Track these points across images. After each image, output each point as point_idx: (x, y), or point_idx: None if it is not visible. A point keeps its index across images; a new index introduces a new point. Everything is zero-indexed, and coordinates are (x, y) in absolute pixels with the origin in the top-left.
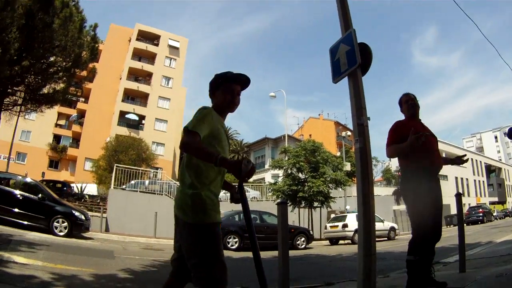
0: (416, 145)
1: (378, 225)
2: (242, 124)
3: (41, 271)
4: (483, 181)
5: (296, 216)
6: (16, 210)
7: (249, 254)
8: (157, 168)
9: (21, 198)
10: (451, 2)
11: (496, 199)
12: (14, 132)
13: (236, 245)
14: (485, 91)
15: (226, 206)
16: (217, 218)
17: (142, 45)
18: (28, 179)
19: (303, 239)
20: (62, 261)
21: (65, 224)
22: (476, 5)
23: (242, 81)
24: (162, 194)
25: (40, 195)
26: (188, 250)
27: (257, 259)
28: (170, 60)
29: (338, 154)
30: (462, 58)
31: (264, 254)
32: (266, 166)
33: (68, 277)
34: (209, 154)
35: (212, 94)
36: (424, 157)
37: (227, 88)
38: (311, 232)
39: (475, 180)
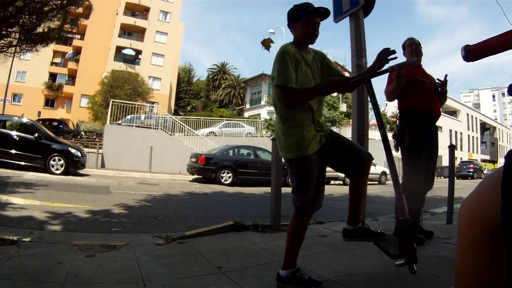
0: (399, 74)
1: (370, 169)
2: (240, 60)
3: (38, 211)
4: (477, 138)
5: None
6: (13, 151)
7: (243, 189)
8: (153, 103)
9: (17, 139)
10: None
11: (488, 157)
12: (10, 74)
13: (230, 180)
14: None
15: (221, 141)
16: None
17: None
18: (24, 119)
19: None
20: (59, 199)
21: (62, 162)
22: None
23: (322, 13)
24: (157, 128)
25: (36, 135)
26: None
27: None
28: None
29: (335, 94)
30: (469, 12)
31: (257, 190)
32: (262, 102)
33: (65, 214)
34: (309, 93)
35: (292, 26)
36: (422, 101)
37: (308, 21)
38: None
39: (469, 136)
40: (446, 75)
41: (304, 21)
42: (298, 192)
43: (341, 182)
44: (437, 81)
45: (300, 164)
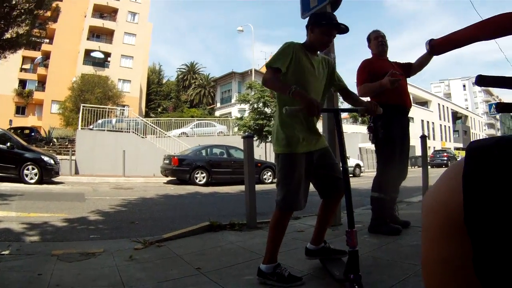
0: (389, 87)
1: None
2: (209, 58)
3: (15, 222)
4: (449, 127)
5: (263, 151)
6: None
7: (218, 189)
8: (124, 106)
9: None
10: None
11: (461, 145)
12: None
13: (204, 180)
14: None
15: (193, 141)
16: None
17: None
18: None
19: (269, 173)
20: (35, 209)
21: (35, 170)
22: None
23: (342, 29)
24: (129, 132)
25: (8, 144)
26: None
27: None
28: None
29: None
30: (438, 5)
31: (232, 189)
32: (233, 101)
33: (42, 224)
34: (283, 87)
35: (310, 29)
36: (396, 95)
37: (327, 31)
38: None
39: (441, 125)
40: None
41: (324, 29)
42: (280, 187)
43: None
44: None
45: (287, 160)
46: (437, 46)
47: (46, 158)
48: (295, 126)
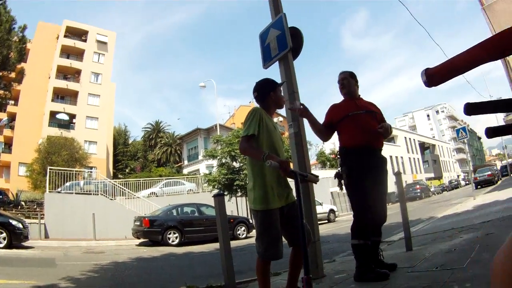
0: (302, 116)
1: (318, 209)
2: (173, 116)
3: None
4: (418, 158)
5: (234, 206)
6: None
7: (192, 248)
8: (91, 168)
9: None
10: None
11: (432, 175)
12: None
13: (177, 240)
14: (418, 72)
15: (163, 201)
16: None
17: (70, 42)
18: None
19: (243, 228)
20: (3, 276)
21: (4, 235)
22: None
23: (281, 85)
24: (98, 194)
25: None
26: None
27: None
28: (99, 55)
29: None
30: (393, 40)
31: (206, 247)
32: (200, 157)
33: None
34: (257, 153)
35: (262, 98)
36: (357, 136)
37: (277, 92)
38: (250, 221)
39: (409, 158)
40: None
41: (276, 92)
42: (260, 240)
43: None
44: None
45: (264, 216)
46: (435, 75)
47: (14, 222)
48: (272, 184)
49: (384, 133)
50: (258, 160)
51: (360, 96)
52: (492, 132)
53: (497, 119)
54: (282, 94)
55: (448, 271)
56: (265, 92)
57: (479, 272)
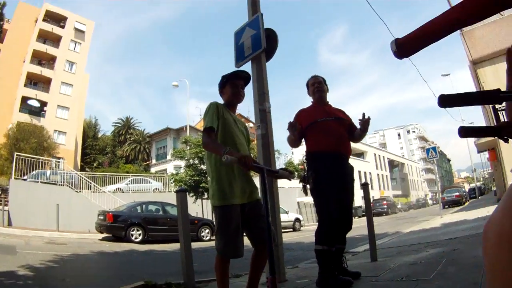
0: (291, 132)
1: (283, 217)
2: (144, 114)
3: None
4: (387, 175)
5: (200, 208)
6: None
7: (154, 247)
8: (59, 158)
9: None
10: (362, 1)
11: (399, 192)
12: None
13: (140, 237)
14: (391, 91)
15: (128, 197)
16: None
17: (48, 27)
18: None
19: (207, 230)
20: None
21: None
22: (389, 7)
23: (243, 77)
24: (64, 185)
25: None
26: None
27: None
28: (75, 44)
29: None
30: (370, 58)
31: (169, 246)
32: (168, 157)
33: None
34: (218, 148)
35: (221, 92)
36: (324, 142)
37: (232, 84)
38: (215, 223)
39: (378, 174)
40: (363, 114)
41: (230, 84)
42: (218, 236)
43: None
44: (358, 121)
45: (222, 212)
46: (405, 45)
47: None
48: (230, 179)
49: (366, 125)
50: (219, 155)
51: (329, 103)
52: (465, 132)
53: (468, 143)
54: (238, 87)
55: (413, 282)
56: (221, 86)
57: (444, 284)
